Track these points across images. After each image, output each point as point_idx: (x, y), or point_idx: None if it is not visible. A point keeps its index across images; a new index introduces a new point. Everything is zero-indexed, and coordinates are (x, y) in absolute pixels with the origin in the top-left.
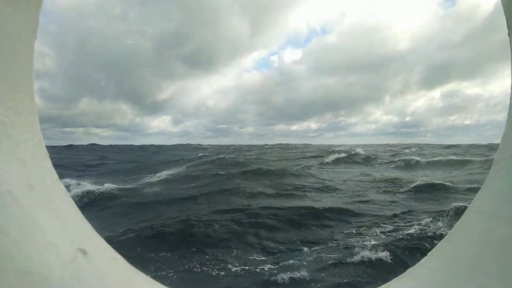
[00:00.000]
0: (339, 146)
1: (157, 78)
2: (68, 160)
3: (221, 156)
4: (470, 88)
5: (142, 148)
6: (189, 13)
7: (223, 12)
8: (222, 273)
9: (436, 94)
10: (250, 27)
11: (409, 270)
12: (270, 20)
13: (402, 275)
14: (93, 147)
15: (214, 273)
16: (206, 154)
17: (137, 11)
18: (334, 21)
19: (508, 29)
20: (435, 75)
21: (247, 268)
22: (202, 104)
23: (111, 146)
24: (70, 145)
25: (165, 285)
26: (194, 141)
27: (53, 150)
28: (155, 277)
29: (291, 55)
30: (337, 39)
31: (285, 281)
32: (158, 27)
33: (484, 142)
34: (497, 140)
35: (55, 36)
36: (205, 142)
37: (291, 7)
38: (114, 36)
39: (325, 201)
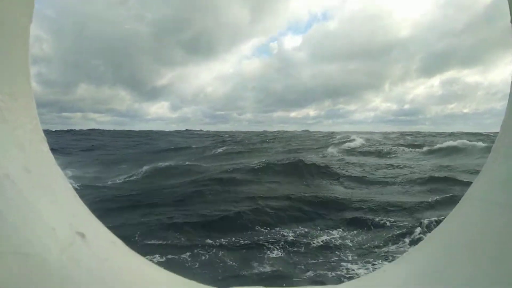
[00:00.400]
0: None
1: (156, 64)
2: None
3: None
4: (470, 76)
5: (139, 134)
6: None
7: None
8: None
9: (435, 81)
10: (250, 13)
11: (405, 254)
12: (271, 6)
13: (398, 259)
14: (92, 132)
15: None
16: (194, 145)
17: None
18: (335, 7)
19: (511, 15)
20: (435, 63)
21: None
22: (201, 90)
23: (109, 131)
24: (70, 130)
25: (164, 268)
26: (192, 127)
27: (50, 135)
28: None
29: (291, 42)
30: (338, 25)
31: None
32: (158, 12)
33: (482, 131)
34: (496, 129)
35: (53, 21)
36: (204, 128)
37: None
38: (113, 21)
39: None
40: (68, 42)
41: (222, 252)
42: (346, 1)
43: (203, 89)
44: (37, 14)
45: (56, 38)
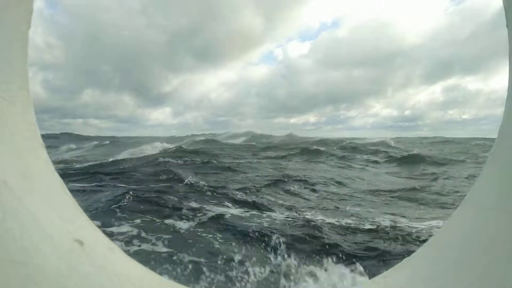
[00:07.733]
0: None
1: (166, 70)
2: None
3: None
4: (472, 83)
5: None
6: (205, 8)
7: (239, 7)
8: None
9: (437, 88)
10: (263, 21)
11: (405, 260)
12: (284, 13)
13: (398, 265)
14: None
15: None
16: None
17: (152, 5)
18: (346, 15)
19: (506, 20)
20: (439, 70)
21: None
22: (205, 96)
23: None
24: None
25: (162, 275)
26: (191, 133)
27: None
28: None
29: (299, 49)
30: (346, 33)
31: None
32: (173, 21)
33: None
34: (494, 135)
35: (65, 28)
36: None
37: (304, 2)
38: (128, 29)
39: None
40: (79, 49)
41: None
42: (356, 10)
43: (207, 96)
44: (49, 20)
45: (68, 45)
